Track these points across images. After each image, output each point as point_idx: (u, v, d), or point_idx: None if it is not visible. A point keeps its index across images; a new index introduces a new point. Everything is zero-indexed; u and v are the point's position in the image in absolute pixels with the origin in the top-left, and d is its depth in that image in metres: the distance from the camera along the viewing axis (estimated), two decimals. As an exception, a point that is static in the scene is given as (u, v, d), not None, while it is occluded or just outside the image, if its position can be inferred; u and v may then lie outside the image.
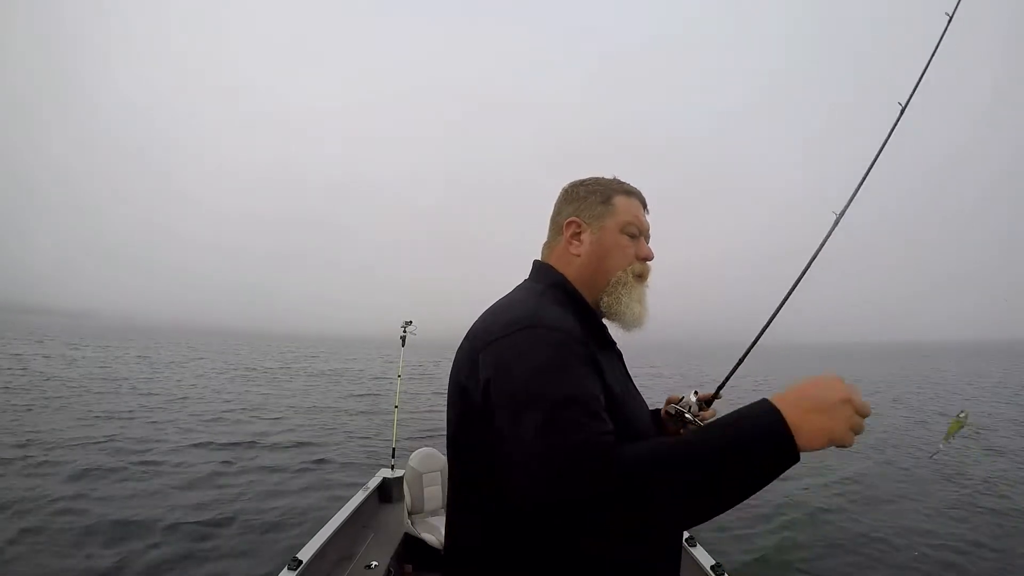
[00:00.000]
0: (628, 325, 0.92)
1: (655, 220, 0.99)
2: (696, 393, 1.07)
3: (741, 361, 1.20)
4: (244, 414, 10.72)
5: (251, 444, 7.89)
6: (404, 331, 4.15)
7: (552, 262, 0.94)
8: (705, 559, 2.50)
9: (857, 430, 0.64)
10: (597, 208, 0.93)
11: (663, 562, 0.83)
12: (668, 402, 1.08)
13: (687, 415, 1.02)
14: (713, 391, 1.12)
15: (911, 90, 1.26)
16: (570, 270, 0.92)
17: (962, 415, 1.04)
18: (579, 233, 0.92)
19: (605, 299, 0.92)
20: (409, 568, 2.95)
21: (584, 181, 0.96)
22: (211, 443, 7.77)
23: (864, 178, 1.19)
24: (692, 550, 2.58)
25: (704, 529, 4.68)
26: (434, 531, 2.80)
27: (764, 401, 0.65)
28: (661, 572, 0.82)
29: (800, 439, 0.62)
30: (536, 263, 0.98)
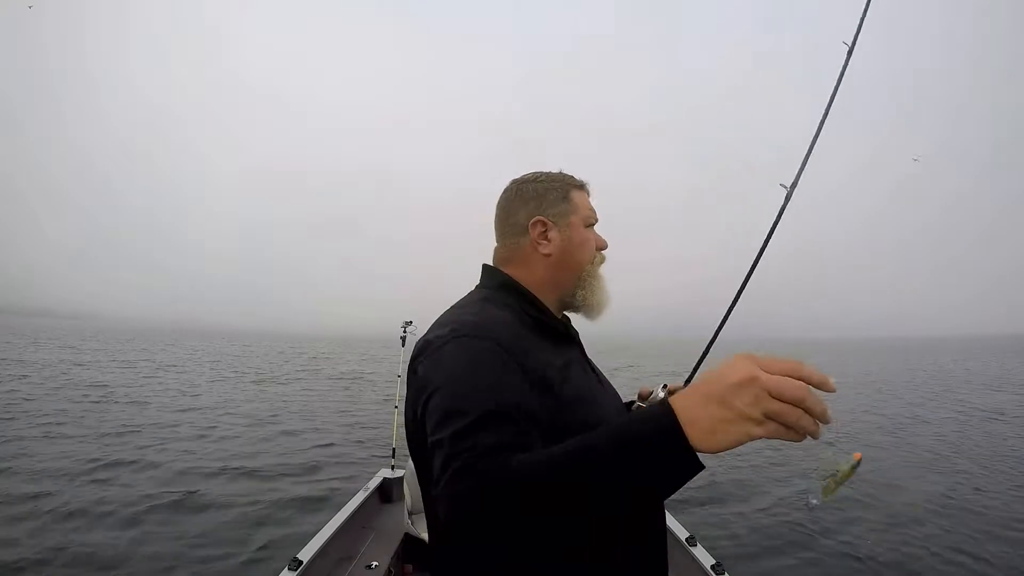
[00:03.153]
0: (597, 314, 0.96)
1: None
2: (665, 387, 1.03)
3: (707, 351, 1.17)
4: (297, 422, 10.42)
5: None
6: (404, 331, 4.16)
7: (516, 263, 0.93)
8: (705, 559, 2.50)
9: (774, 415, 0.49)
10: (560, 205, 0.93)
11: (636, 560, 0.80)
12: (640, 396, 1.06)
13: None
14: (682, 384, 1.08)
15: (855, 29, 1.22)
16: (538, 269, 0.92)
17: (845, 465, 0.57)
18: (546, 232, 0.92)
19: (580, 293, 0.94)
20: (409, 568, 2.95)
21: (534, 177, 0.96)
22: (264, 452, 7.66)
23: (812, 145, 1.14)
24: (692, 549, 2.58)
25: (705, 529, 4.69)
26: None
27: (664, 399, 0.58)
28: (633, 567, 0.80)
29: (695, 437, 0.51)
30: (485, 267, 0.98)
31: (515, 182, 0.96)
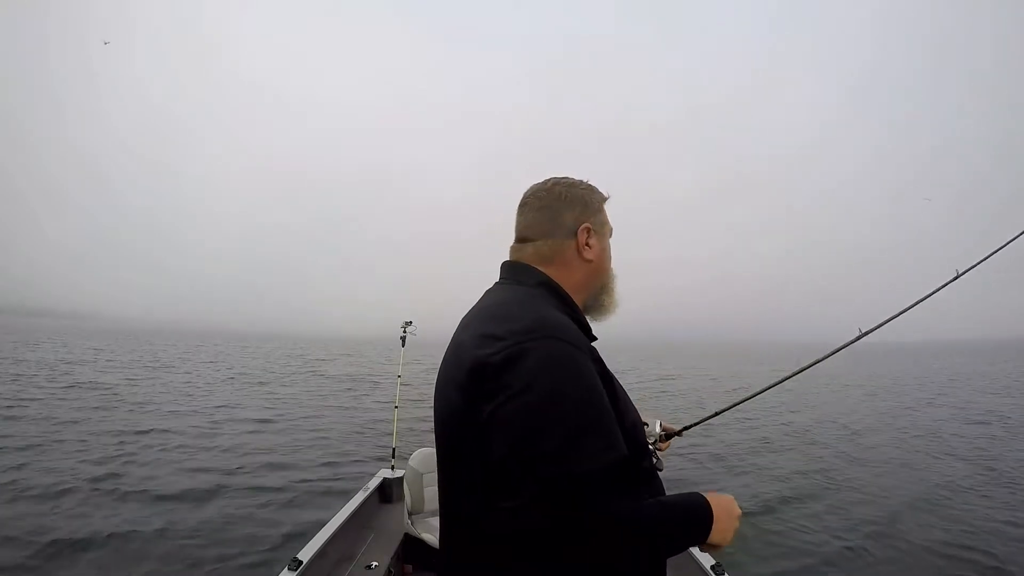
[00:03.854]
0: (608, 317, 1.02)
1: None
2: (660, 424, 1.13)
3: (716, 414, 1.29)
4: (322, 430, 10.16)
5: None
6: (404, 331, 4.15)
7: (557, 264, 0.94)
8: (705, 559, 2.50)
9: (734, 535, 0.83)
10: (599, 215, 0.97)
11: None
12: None
13: (650, 447, 1.09)
14: (678, 429, 1.19)
15: (970, 266, 1.35)
16: (577, 273, 0.95)
17: None
18: (589, 239, 0.95)
19: (603, 298, 1.00)
20: (409, 568, 2.96)
21: (577, 183, 0.97)
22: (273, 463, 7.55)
23: (889, 319, 1.26)
24: (691, 550, 2.58)
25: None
26: (434, 531, 2.81)
27: (702, 497, 0.81)
28: None
29: (713, 531, 0.80)
30: (514, 264, 0.96)
31: (561, 183, 0.96)
